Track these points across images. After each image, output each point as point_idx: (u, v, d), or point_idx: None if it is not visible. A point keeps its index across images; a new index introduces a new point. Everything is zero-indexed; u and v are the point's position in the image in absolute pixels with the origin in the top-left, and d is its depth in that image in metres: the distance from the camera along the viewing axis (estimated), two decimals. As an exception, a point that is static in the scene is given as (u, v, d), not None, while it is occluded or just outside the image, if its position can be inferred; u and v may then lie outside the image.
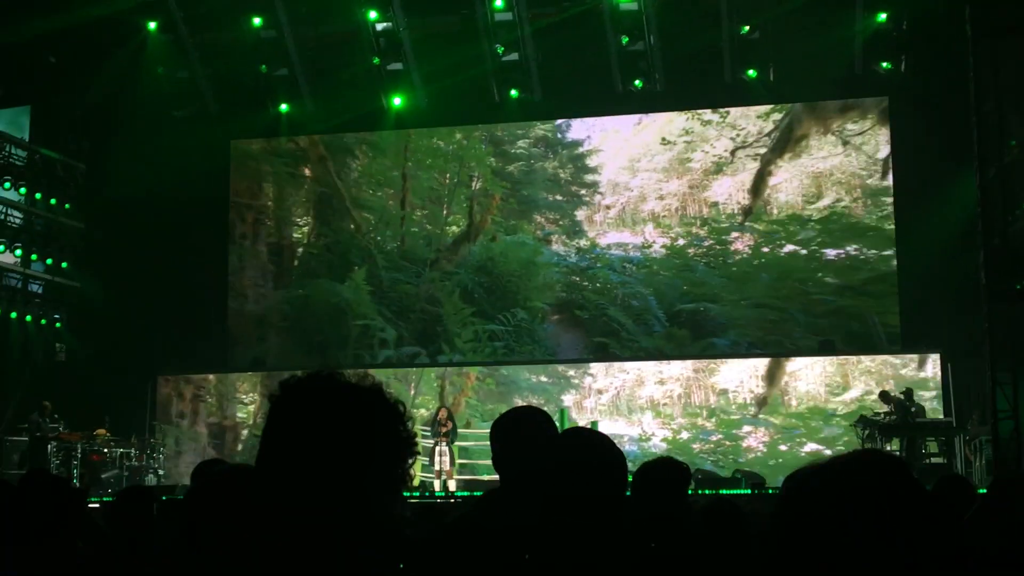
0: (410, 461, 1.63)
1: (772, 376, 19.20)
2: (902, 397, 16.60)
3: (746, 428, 19.17)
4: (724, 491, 14.06)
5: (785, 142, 19.99)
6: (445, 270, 21.26)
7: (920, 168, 18.14)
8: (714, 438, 19.31)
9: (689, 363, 19.67)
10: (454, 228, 21.42)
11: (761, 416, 19.09)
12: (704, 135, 20.37)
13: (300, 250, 21.43)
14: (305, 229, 21.60)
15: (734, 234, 20.00)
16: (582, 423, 18.43)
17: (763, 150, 20.01)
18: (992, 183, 14.70)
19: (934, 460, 15.61)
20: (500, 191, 21.20)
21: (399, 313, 21.20)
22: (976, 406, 16.16)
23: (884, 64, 18.44)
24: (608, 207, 20.73)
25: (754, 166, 20.03)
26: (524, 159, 21.31)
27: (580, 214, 20.90)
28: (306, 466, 1.56)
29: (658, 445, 19.19)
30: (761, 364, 19.33)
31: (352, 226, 21.46)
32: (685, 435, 19.41)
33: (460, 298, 21.07)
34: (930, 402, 17.69)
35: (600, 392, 19.93)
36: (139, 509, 5.23)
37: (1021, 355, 14.19)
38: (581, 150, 21.03)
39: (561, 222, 21.04)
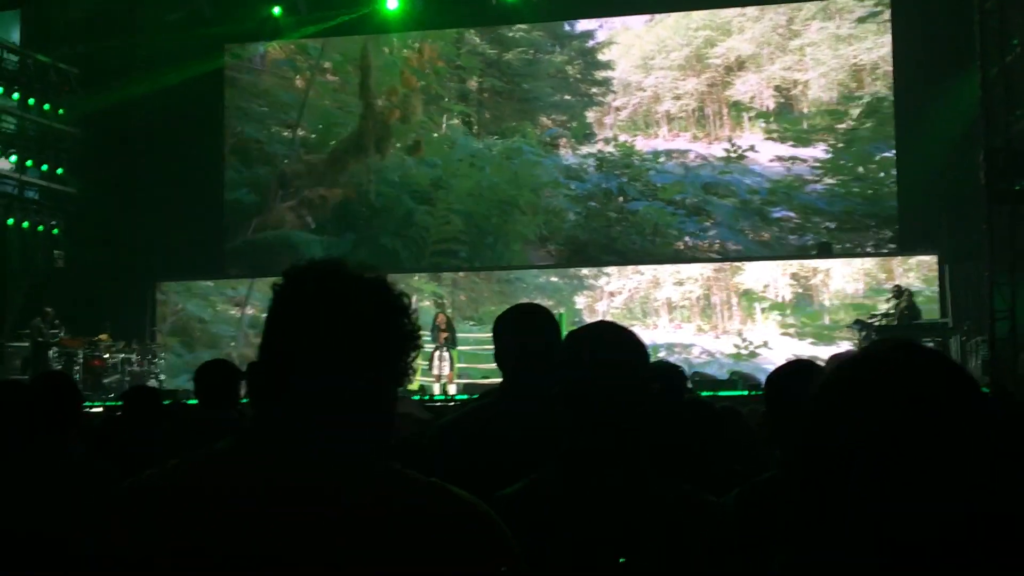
0: (413, 355, 1.63)
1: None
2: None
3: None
4: (722, 392, 14.15)
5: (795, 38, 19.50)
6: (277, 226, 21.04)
7: (922, 67, 17.92)
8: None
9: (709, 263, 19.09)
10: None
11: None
12: (726, 28, 19.63)
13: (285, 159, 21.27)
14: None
15: (748, 134, 19.41)
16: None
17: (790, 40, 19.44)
18: (994, 83, 14.56)
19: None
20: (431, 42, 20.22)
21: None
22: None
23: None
24: (619, 108, 19.80)
25: (778, 62, 19.39)
26: (525, 47, 20.23)
27: (590, 115, 19.79)
28: (311, 356, 1.56)
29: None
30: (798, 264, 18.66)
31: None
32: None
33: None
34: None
35: (613, 295, 19.24)
36: (148, 410, 5.24)
37: (1019, 256, 14.20)
38: (591, 43, 20.02)
39: (570, 124, 19.87)
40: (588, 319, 18.49)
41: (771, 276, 18.71)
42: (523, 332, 3.13)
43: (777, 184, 19.29)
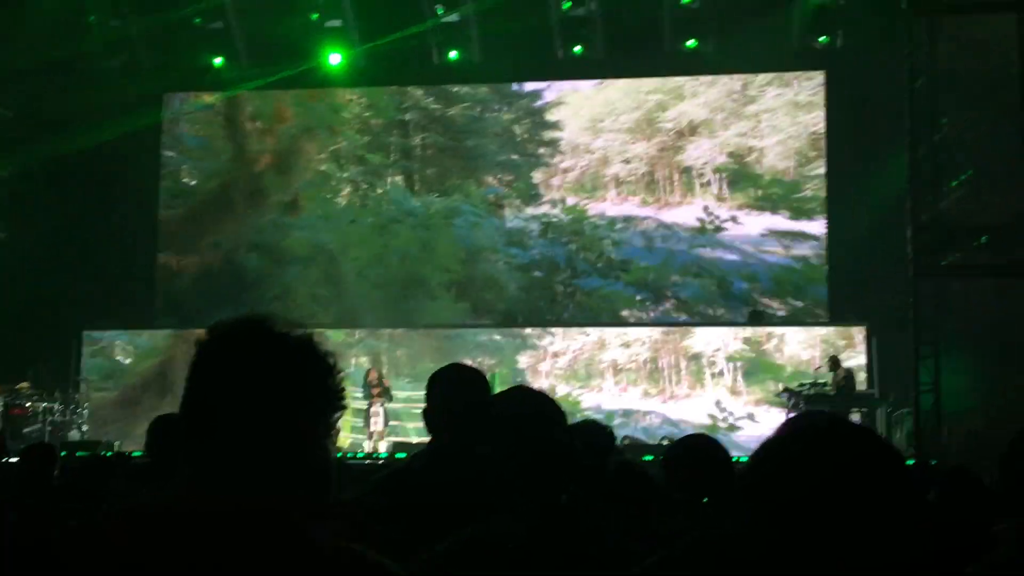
0: (338, 414, 1.61)
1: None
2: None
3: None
4: (648, 457, 14.12)
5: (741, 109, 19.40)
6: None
7: (854, 142, 18.31)
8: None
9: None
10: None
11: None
12: (678, 92, 19.36)
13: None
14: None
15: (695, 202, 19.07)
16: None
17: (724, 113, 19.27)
18: (923, 160, 14.92)
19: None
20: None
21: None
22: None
23: (822, 39, 18.57)
24: (566, 170, 19.31)
25: (732, 128, 19.13)
26: (470, 101, 19.78)
27: (537, 176, 19.26)
28: (233, 414, 1.54)
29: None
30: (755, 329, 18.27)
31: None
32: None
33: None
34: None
35: (556, 355, 18.63)
36: (43, 468, 5.13)
37: (944, 330, 14.48)
38: (539, 103, 19.68)
39: (516, 184, 19.25)
40: (531, 379, 18.17)
41: (721, 340, 18.39)
42: (455, 392, 3.13)
43: (754, 260, 18.82)
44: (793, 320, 18.77)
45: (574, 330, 18.88)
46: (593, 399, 18.31)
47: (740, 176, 19.11)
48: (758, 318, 18.94)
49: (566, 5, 18.60)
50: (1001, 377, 15.06)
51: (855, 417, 15.82)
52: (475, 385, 3.15)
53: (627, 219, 19.17)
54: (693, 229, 19.10)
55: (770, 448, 1.50)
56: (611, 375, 18.47)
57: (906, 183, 15.01)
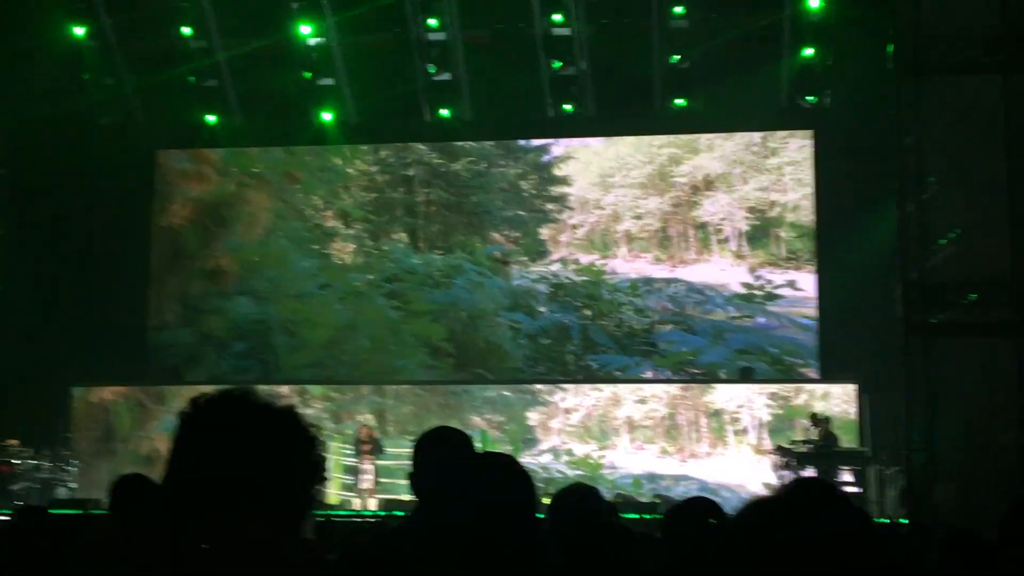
0: (318, 486, 1.63)
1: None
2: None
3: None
4: (634, 515, 14.03)
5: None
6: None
7: (843, 201, 18.39)
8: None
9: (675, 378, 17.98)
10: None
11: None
12: (692, 146, 18.82)
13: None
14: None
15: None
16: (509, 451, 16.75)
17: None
18: (911, 218, 15.04)
19: (848, 489, 15.78)
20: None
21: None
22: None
23: (810, 98, 18.72)
24: (575, 226, 18.68)
25: (752, 182, 18.59)
26: (475, 156, 19.35)
27: (544, 232, 18.66)
28: (215, 486, 1.55)
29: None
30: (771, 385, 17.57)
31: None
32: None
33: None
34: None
35: (568, 412, 17.93)
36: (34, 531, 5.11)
37: (935, 387, 14.49)
38: (546, 158, 19.23)
39: (522, 241, 18.64)
40: (541, 436, 17.96)
41: (744, 395, 17.64)
42: (433, 456, 3.14)
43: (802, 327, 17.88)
44: (780, 377, 18.55)
45: (586, 386, 18.25)
46: (613, 462, 17.62)
47: (761, 232, 18.56)
48: (748, 375, 18.87)
49: (556, 64, 18.78)
50: (990, 434, 15.07)
51: (846, 475, 15.79)
52: (453, 449, 3.16)
53: (648, 281, 18.52)
54: (737, 296, 18.42)
55: (744, 519, 1.51)
56: (626, 432, 17.74)
57: (895, 241, 15.12)
